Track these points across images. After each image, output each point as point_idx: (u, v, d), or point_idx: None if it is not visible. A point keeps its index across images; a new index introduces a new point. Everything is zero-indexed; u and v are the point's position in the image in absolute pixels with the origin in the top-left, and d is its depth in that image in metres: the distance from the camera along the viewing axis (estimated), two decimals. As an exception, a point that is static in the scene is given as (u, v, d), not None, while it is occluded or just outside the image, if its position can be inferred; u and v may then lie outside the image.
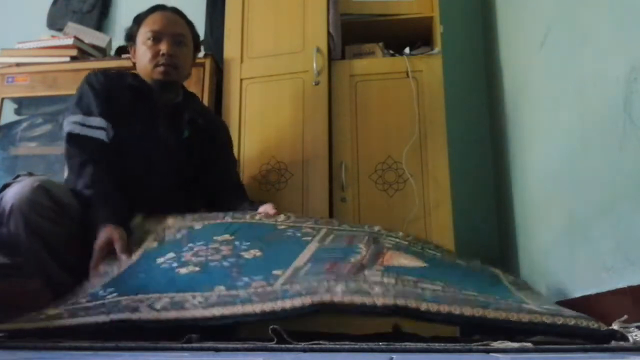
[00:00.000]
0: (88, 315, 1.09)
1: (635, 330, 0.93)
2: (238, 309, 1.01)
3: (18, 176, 1.49)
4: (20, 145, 2.36)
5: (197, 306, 1.04)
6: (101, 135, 1.55)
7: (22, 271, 1.39)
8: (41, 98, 2.30)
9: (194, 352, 0.90)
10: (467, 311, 0.91)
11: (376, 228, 1.46)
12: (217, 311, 1.02)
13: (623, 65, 1.13)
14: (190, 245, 1.34)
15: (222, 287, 1.11)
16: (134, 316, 1.04)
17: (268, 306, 0.99)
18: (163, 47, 1.64)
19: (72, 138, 1.53)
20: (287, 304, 0.98)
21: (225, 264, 1.22)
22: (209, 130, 1.76)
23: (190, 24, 1.76)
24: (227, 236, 1.36)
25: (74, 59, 2.26)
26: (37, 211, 1.34)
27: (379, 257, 1.19)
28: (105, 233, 1.39)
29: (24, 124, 2.36)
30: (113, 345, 0.96)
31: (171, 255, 1.32)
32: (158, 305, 1.07)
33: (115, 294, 1.18)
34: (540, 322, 0.88)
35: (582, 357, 0.84)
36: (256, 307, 1.01)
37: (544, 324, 0.88)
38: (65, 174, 1.53)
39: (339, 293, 0.99)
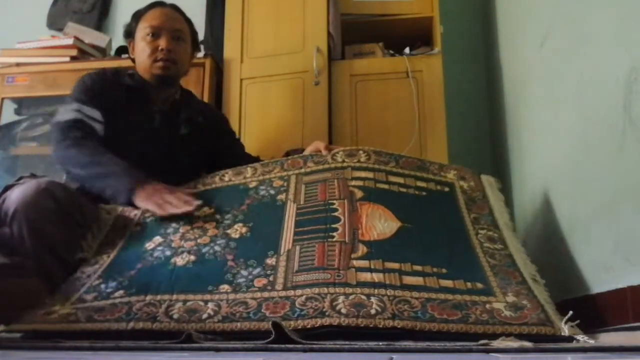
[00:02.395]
0: (107, 320, 1.11)
1: (583, 336, 1.02)
2: (254, 325, 1.06)
3: (21, 178, 1.49)
4: (20, 145, 2.36)
5: (212, 317, 1.09)
6: (98, 127, 1.56)
7: (22, 271, 1.39)
8: (41, 98, 2.30)
9: (194, 352, 0.90)
10: (453, 328, 1.04)
11: (339, 156, 1.52)
12: (234, 326, 1.07)
13: (623, 65, 1.13)
14: (174, 225, 1.38)
15: (227, 287, 1.16)
16: (155, 326, 1.08)
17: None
18: (162, 43, 1.64)
19: (69, 122, 1.53)
20: (299, 324, 1.04)
21: (217, 248, 1.28)
22: (209, 126, 1.77)
23: (188, 21, 1.76)
24: (205, 209, 1.42)
25: (74, 59, 2.26)
26: (41, 215, 1.34)
27: (357, 225, 1.29)
28: (156, 187, 1.42)
29: (24, 124, 2.37)
30: (113, 345, 0.96)
31: (159, 239, 1.34)
32: (175, 314, 1.10)
33: (121, 292, 1.19)
34: (510, 332, 1.03)
35: (582, 356, 0.84)
36: (262, 326, 1.04)
37: (512, 333, 1.02)
38: (55, 152, 1.53)
39: (343, 313, 1.05)
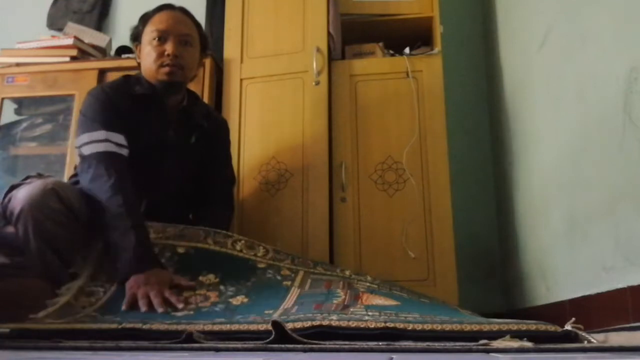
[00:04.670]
0: (98, 322, 1.15)
1: (587, 335, 1.00)
2: (244, 327, 1.07)
3: (27, 177, 1.48)
4: (20, 145, 2.37)
5: (205, 324, 1.11)
6: (125, 153, 1.52)
7: (22, 271, 1.39)
8: (41, 98, 2.30)
9: (194, 352, 0.90)
10: (447, 327, 1.02)
11: (347, 272, 1.57)
12: (225, 327, 1.08)
13: (623, 65, 1.14)
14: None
15: (222, 319, 1.20)
16: (145, 326, 1.09)
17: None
18: (168, 48, 1.60)
19: (101, 156, 1.47)
20: (290, 325, 1.04)
21: (217, 309, 1.32)
22: (211, 133, 1.76)
23: (197, 24, 1.72)
24: (211, 277, 1.43)
25: (74, 59, 2.26)
26: (47, 215, 1.33)
27: (357, 299, 1.32)
28: (164, 275, 1.37)
29: (24, 124, 2.37)
30: (113, 345, 0.96)
31: None
32: (167, 322, 1.15)
33: (118, 319, 1.21)
34: (508, 329, 1.01)
35: (582, 356, 0.84)
36: (261, 327, 1.05)
37: (511, 330, 1.00)
38: (85, 184, 1.47)
39: (335, 319, 1.07)
